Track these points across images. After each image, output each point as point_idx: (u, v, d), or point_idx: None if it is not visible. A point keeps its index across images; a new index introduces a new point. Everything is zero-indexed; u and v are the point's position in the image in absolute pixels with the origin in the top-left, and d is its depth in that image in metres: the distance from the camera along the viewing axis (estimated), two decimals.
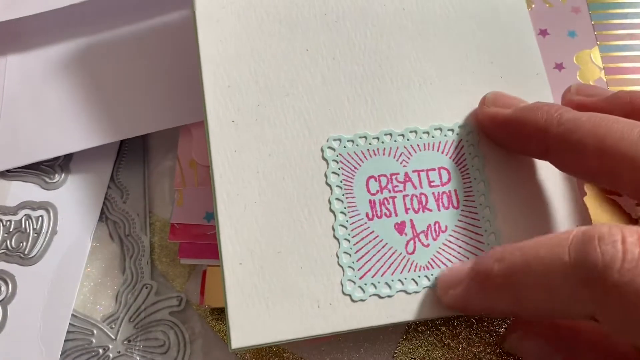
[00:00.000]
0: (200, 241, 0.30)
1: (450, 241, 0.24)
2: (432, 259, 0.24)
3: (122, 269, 0.31)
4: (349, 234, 0.24)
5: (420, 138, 0.25)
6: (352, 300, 0.23)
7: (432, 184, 0.25)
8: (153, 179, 0.33)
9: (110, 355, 0.29)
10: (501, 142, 0.25)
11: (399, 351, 0.28)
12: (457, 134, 0.25)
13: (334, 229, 0.24)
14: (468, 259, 0.24)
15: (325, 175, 0.24)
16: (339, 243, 0.24)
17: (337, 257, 0.23)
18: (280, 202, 0.24)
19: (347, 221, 0.24)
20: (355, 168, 0.25)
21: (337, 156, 0.25)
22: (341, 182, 0.24)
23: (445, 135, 0.25)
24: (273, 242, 0.23)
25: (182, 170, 0.31)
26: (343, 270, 0.23)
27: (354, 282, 0.23)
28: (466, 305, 0.22)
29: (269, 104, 0.25)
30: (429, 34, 0.27)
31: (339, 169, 0.24)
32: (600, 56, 0.30)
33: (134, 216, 0.32)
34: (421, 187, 0.25)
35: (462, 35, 0.27)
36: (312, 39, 0.26)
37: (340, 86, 0.26)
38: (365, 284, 0.23)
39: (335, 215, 0.24)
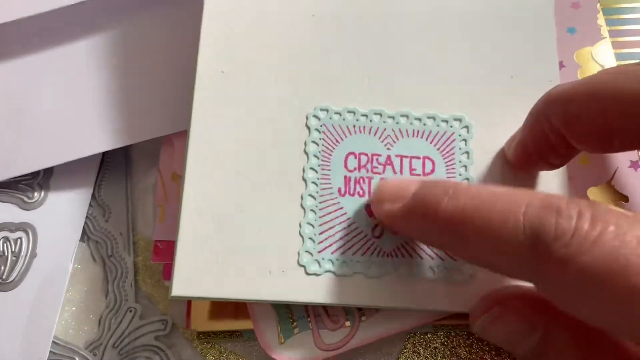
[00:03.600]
0: None
1: None
2: (398, 247, 0.23)
3: (105, 291, 0.29)
4: (316, 206, 0.23)
5: (411, 124, 0.24)
6: (306, 273, 0.22)
7: (413, 172, 0.24)
8: (136, 195, 0.31)
9: None
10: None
11: None
12: (451, 126, 0.24)
13: (302, 198, 0.23)
14: (436, 254, 0.23)
15: (305, 143, 0.23)
16: (305, 213, 0.23)
17: (300, 226, 0.23)
18: (253, 160, 0.23)
19: (317, 192, 0.23)
20: (337, 141, 0.24)
21: (321, 126, 0.24)
22: (320, 152, 0.23)
23: (438, 126, 0.24)
24: (238, 199, 0.23)
25: (164, 184, 0.29)
26: (303, 240, 0.22)
27: (312, 255, 0.22)
28: (400, 226, 0.21)
29: (263, 62, 0.24)
30: (442, 22, 0.25)
31: (320, 139, 0.24)
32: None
33: (116, 235, 0.30)
34: (401, 174, 0.23)
35: (477, 28, 0.25)
36: (320, 6, 0.25)
37: (339, 58, 0.25)
38: (323, 259, 0.22)
39: (306, 184, 0.23)
